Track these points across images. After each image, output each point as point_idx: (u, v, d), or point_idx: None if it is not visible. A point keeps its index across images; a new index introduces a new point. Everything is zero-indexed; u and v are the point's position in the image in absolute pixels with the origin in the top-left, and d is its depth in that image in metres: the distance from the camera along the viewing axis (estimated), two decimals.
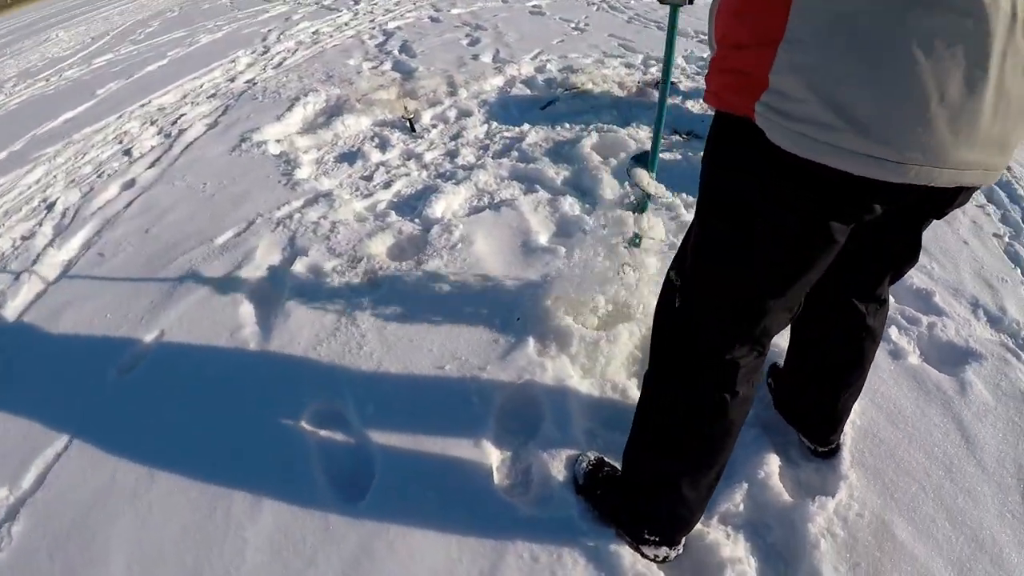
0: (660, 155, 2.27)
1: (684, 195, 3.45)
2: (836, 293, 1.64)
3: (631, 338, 2.41)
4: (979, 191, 3.99)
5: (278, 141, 4.18)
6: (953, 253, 3.23)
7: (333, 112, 4.64)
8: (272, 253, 3.00)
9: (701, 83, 5.16)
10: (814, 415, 1.97)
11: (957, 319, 2.69)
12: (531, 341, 2.37)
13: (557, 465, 1.99)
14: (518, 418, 2.18)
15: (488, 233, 3.05)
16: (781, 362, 2.23)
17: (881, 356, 2.49)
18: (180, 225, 3.37)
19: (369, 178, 3.73)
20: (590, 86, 4.82)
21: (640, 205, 2.31)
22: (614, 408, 2.22)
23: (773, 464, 1.97)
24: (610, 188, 3.44)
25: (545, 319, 2.43)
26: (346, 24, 7.29)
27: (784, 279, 1.24)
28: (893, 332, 2.60)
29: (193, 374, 2.42)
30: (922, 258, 3.15)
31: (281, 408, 2.22)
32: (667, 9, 1.86)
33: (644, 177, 2.17)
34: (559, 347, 2.34)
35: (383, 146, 4.12)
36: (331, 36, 6.77)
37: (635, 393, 2.24)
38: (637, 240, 2.37)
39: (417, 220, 3.20)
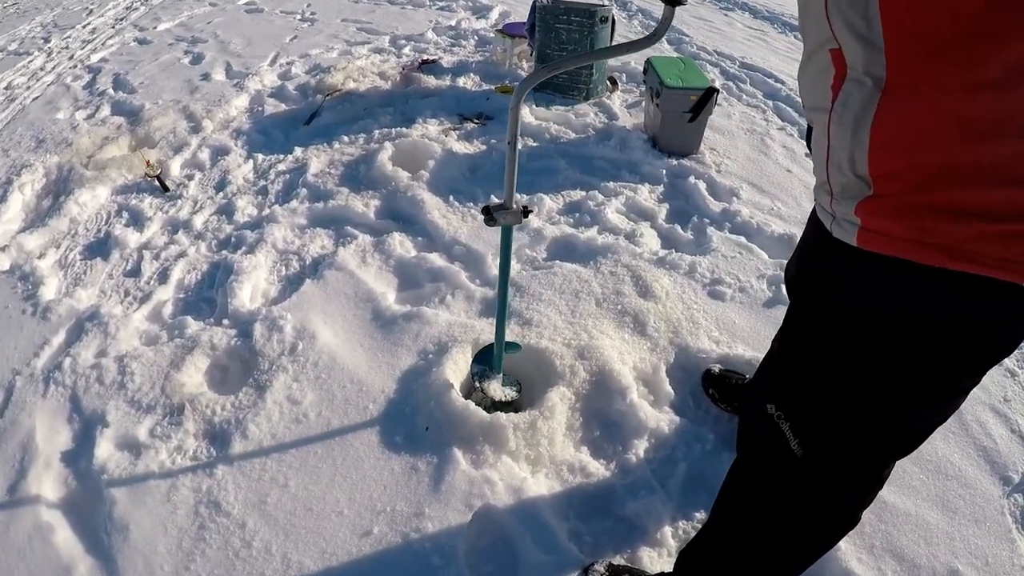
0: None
1: (525, 195, 3.01)
2: None
3: (564, 401, 1.95)
4: (766, 110, 4.09)
5: (2, 249, 2.97)
6: (786, 186, 3.24)
7: (59, 189, 3.40)
8: (57, 432, 2.00)
9: (462, 55, 4.66)
10: None
11: None
12: (457, 453, 1.78)
13: None
14: (492, 557, 1.63)
15: (325, 314, 2.32)
16: (716, 368, 2.12)
17: None
18: None
19: (135, 272, 2.74)
20: (351, 84, 4.09)
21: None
22: (582, 493, 1.79)
23: None
24: (437, 210, 2.87)
25: (458, 417, 1.85)
26: (41, 68, 5.50)
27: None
28: (784, 290, 2.46)
29: None
30: (765, 199, 3.11)
31: None
32: None
33: (495, 389, 1.99)
34: (494, 448, 1.80)
35: (136, 221, 3.09)
36: (28, 87, 5.09)
37: (594, 467, 1.85)
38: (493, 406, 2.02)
39: (226, 321, 2.35)
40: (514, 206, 1.55)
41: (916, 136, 0.76)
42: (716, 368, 2.12)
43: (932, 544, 1.69)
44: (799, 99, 4.08)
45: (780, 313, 2.40)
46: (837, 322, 0.96)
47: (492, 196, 2.96)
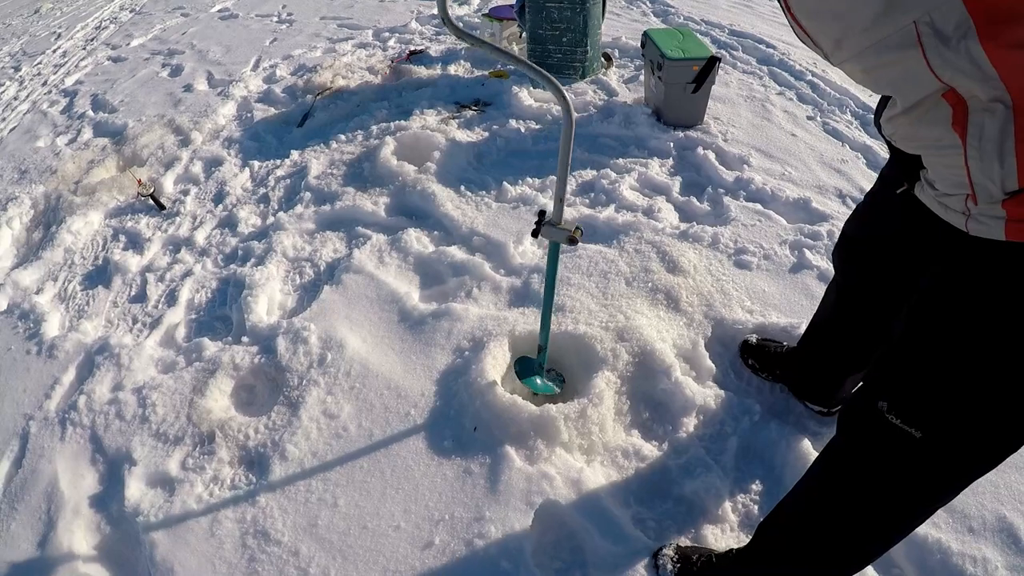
0: None
1: (537, 179, 2.92)
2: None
3: (610, 386, 1.87)
4: (762, 75, 4.00)
5: None
6: (793, 150, 3.18)
7: (49, 219, 3.27)
8: (82, 476, 1.89)
9: (449, 43, 4.54)
10: (831, 387, 1.82)
11: (840, 216, 2.68)
12: (510, 451, 1.70)
13: None
14: (559, 553, 1.57)
15: (350, 320, 2.22)
16: (754, 338, 2.09)
17: (816, 284, 2.31)
18: None
19: (141, 297, 2.62)
20: (341, 82, 3.97)
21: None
22: (639, 478, 1.73)
23: (806, 445, 1.77)
24: (450, 202, 2.77)
25: (506, 413, 1.77)
26: (15, 98, 5.28)
27: None
28: (808, 254, 2.43)
29: None
30: (775, 165, 3.04)
31: None
32: None
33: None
34: (546, 441, 1.72)
35: (135, 243, 2.96)
36: (3, 119, 4.89)
37: (647, 449, 1.79)
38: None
39: (245, 338, 2.24)
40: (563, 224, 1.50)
41: None
42: (753, 338, 2.07)
43: (978, 494, 1.65)
44: (795, 65, 4.03)
45: (807, 279, 2.35)
46: (966, 314, 0.91)
47: (504, 183, 2.87)
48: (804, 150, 3.19)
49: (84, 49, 6.08)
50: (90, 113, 4.43)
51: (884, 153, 3.09)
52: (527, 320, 2.10)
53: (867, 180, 2.92)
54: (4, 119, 4.96)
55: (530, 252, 2.49)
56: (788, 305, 2.26)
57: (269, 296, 2.45)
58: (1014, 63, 0.68)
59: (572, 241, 1.50)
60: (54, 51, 6.38)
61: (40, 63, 6.10)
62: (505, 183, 2.87)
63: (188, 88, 4.42)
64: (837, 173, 2.98)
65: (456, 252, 2.48)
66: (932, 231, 0.92)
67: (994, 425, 0.95)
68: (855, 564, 1.27)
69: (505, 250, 2.47)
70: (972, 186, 0.80)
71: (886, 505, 1.12)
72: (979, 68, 0.70)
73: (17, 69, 6.13)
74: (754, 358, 2.02)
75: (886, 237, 1.39)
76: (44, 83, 5.49)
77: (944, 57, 0.71)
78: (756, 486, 1.73)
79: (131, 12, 6.96)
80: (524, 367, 1.94)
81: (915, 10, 0.70)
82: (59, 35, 6.90)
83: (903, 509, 1.12)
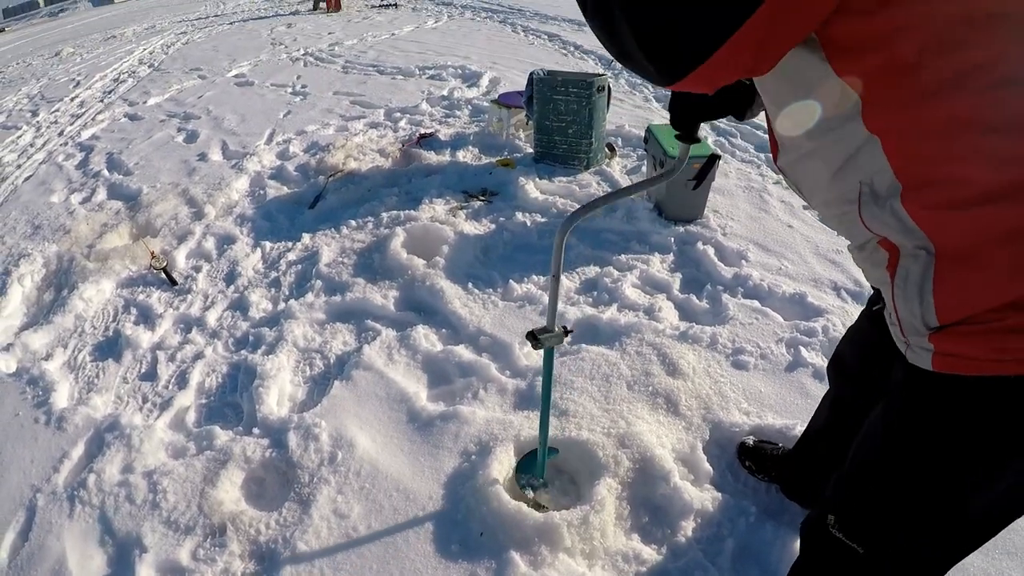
0: None
1: (541, 276, 3.08)
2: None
3: (611, 492, 2.00)
4: (759, 164, 4.23)
5: (6, 349, 2.94)
6: (789, 243, 3.35)
7: (61, 282, 3.41)
8: (90, 558, 1.96)
9: (458, 127, 4.79)
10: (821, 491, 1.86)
11: (835, 310, 2.80)
12: (515, 556, 1.81)
13: None
14: None
15: (360, 419, 2.34)
16: (750, 440, 2.18)
17: (811, 382, 2.43)
18: None
19: (151, 376, 2.74)
20: (352, 164, 4.18)
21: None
22: None
23: None
24: (458, 299, 2.93)
25: (512, 520, 1.89)
26: (31, 145, 5.52)
27: None
28: (804, 352, 2.57)
29: None
30: (772, 259, 3.21)
31: None
32: None
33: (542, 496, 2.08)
34: (550, 548, 1.83)
35: (147, 318, 3.10)
36: (18, 166, 5.08)
37: (647, 553, 1.89)
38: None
39: (256, 430, 2.35)
40: (556, 328, 1.65)
41: (978, 287, 0.84)
42: (750, 440, 2.19)
43: None
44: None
45: (802, 377, 2.48)
46: (903, 439, 1.03)
47: (510, 280, 3.03)
48: (800, 241, 3.37)
49: (102, 102, 6.30)
50: (105, 173, 4.61)
51: None
52: (531, 424, 2.23)
53: (859, 271, 3.08)
54: (19, 166, 5.13)
55: (535, 354, 2.63)
56: (784, 405, 2.39)
57: (280, 387, 2.58)
58: (932, 219, 0.84)
59: (566, 333, 1.69)
60: (72, 99, 6.60)
61: (58, 110, 6.28)
62: (511, 280, 3.04)
63: (203, 157, 4.63)
64: (832, 264, 3.16)
65: (463, 352, 2.62)
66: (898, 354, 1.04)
67: (929, 547, 1.06)
68: None
69: (511, 351, 2.62)
70: (900, 321, 0.95)
71: None
72: (901, 223, 0.86)
73: (35, 113, 6.29)
74: (751, 460, 2.14)
75: (869, 358, 1.53)
76: (60, 133, 5.67)
77: (873, 213, 0.89)
78: None
79: (149, 67, 7.24)
80: (525, 470, 2.06)
81: (860, 173, 0.89)
82: (78, 83, 7.15)
83: None
